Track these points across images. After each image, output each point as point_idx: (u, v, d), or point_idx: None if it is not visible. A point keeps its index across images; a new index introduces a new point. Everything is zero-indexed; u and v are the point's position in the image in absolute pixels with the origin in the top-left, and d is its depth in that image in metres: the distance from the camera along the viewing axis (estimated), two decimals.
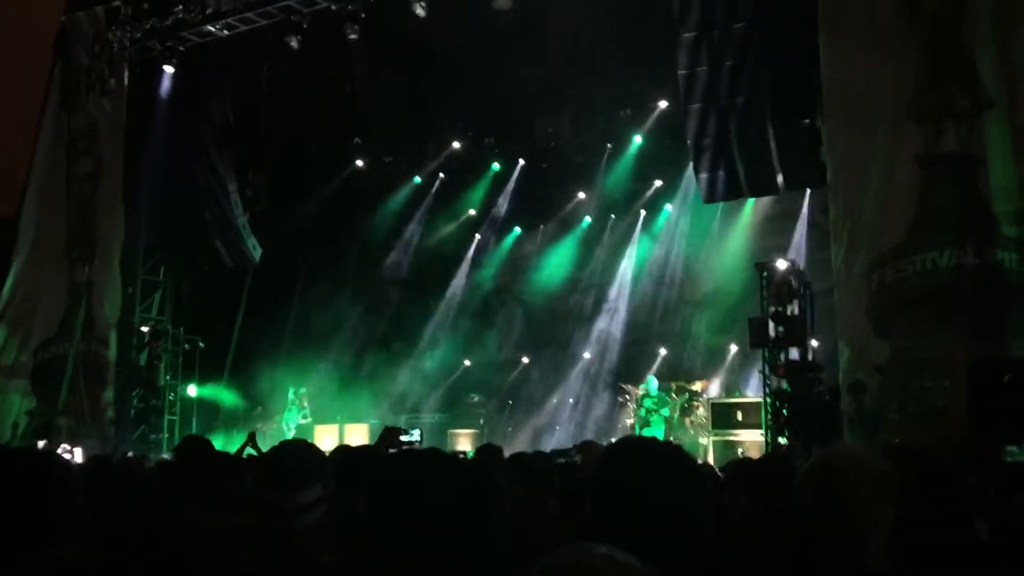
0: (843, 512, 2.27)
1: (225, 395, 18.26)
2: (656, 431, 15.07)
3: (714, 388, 16.67)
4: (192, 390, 17.41)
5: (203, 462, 4.59)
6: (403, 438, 12.05)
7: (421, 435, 15.32)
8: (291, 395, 17.63)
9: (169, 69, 15.96)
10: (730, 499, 4.33)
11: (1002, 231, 9.51)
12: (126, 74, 16.26)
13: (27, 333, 16.47)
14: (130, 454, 13.11)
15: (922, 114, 9.96)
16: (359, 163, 19.67)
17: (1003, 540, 2.95)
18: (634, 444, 2.19)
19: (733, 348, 17.02)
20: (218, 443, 11.06)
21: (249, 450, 6.87)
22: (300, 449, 2.83)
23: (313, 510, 2.44)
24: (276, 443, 3.14)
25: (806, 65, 11.16)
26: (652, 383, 15.66)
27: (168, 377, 16.91)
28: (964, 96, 9.77)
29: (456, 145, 19.36)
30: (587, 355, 19.41)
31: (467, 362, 19.87)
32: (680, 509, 1.88)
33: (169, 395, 16.77)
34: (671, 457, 2.00)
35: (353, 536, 2.29)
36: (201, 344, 17.57)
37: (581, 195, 19.51)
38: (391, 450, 5.07)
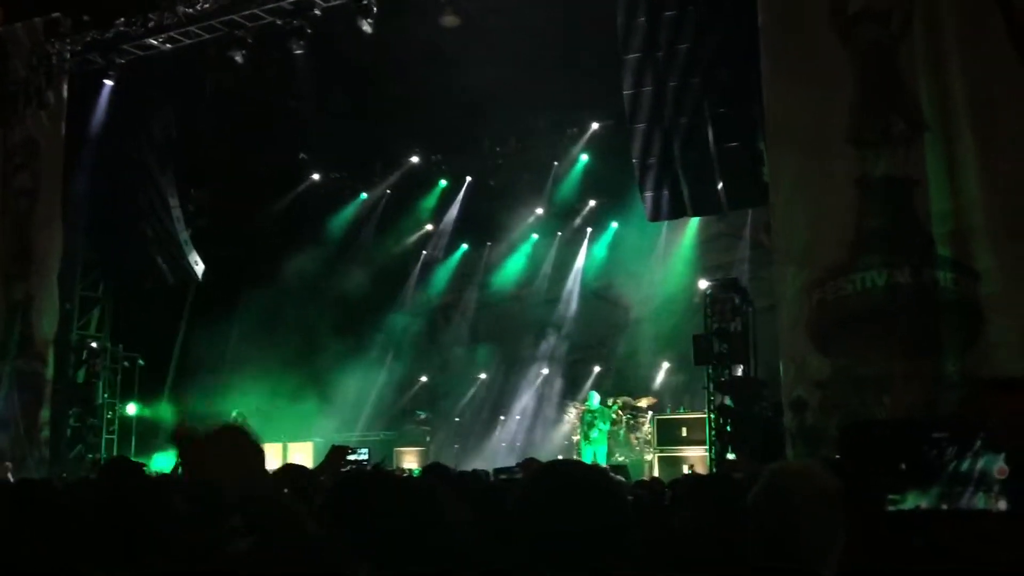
0: (795, 533, 2.24)
1: (166, 413, 17.91)
2: (598, 447, 15.16)
3: (659, 405, 16.79)
4: (131, 408, 17.05)
5: (130, 485, 4.49)
6: (351, 456, 11.92)
7: (369, 453, 15.17)
8: (233, 415, 17.33)
9: (109, 83, 15.70)
10: (680, 515, 4.36)
11: (938, 251, 9.74)
12: (65, 87, 15.94)
13: None
14: (63, 475, 12.85)
15: (860, 138, 10.17)
16: (306, 179, 19.53)
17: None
18: (556, 468, 2.21)
19: (677, 365, 17.17)
20: (158, 462, 10.86)
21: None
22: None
23: (244, 536, 2.38)
24: None
25: (749, 87, 11.35)
26: (593, 398, 15.75)
27: (106, 395, 16.54)
28: (901, 120, 10.00)
29: (403, 162, 19.33)
30: (534, 372, 19.45)
31: (424, 378, 19.79)
32: (596, 528, 1.90)
33: (107, 414, 16.41)
34: (591, 479, 2.01)
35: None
36: (141, 362, 17.23)
37: (529, 212, 19.58)
38: (343, 469, 5.01)
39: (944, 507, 2.67)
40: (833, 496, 2.28)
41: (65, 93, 15.92)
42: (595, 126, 17.50)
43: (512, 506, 2.00)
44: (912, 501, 2.72)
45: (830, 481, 2.33)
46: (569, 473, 2.10)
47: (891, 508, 2.73)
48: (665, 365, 17.57)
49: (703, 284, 13.37)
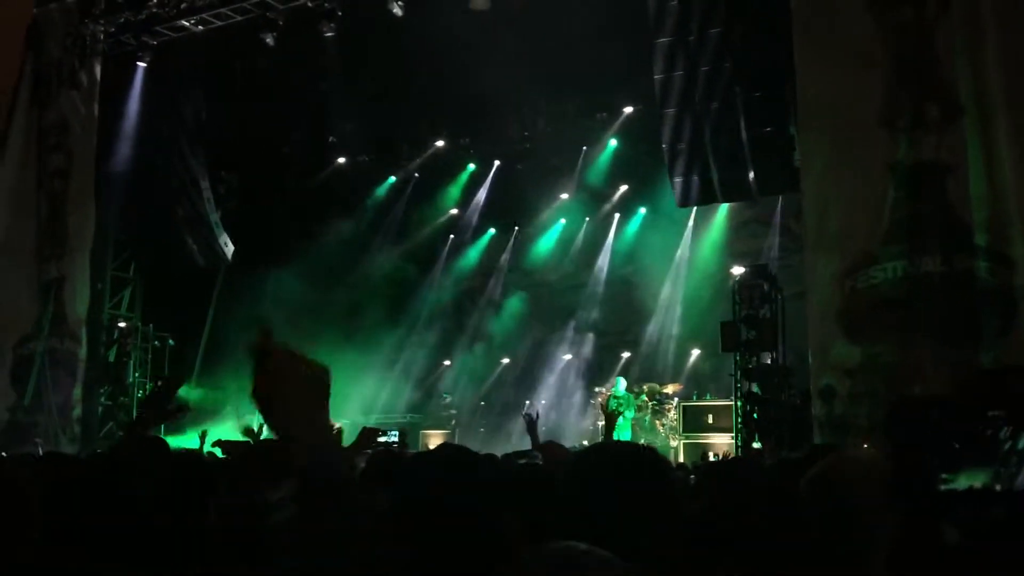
0: (849, 521, 2.21)
1: (195, 393, 18.08)
2: (623, 433, 15.12)
3: (685, 391, 16.73)
4: None
5: (165, 461, 4.53)
6: (381, 439, 11.98)
7: (400, 436, 15.26)
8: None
9: (142, 64, 15.80)
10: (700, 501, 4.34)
11: (975, 239, 9.60)
12: (98, 69, 16.07)
13: (6, 331, 16.21)
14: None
15: (894, 122, 10.03)
16: (335, 162, 19.59)
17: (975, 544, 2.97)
18: (604, 445, 2.21)
19: (705, 351, 17.09)
20: (188, 441, 10.96)
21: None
22: (270, 446, 2.78)
23: (285, 507, 2.40)
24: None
25: (780, 71, 11.23)
26: (620, 384, 15.71)
27: (137, 374, 16.75)
28: (936, 105, 9.85)
29: (431, 145, 19.33)
30: (560, 356, 19.44)
31: (447, 362, 19.84)
32: (648, 512, 1.88)
33: (138, 392, 16.61)
34: (640, 459, 2.00)
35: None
36: (171, 341, 17.42)
37: (557, 196, 19.54)
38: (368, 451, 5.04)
39: (998, 487, 2.62)
40: (887, 484, 2.24)
41: (98, 74, 16.06)
42: (625, 111, 17.39)
43: (561, 483, 2.00)
44: (965, 481, 2.66)
45: (885, 469, 2.29)
46: (618, 450, 2.08)
47: (944, 488, 2.68)
48: (692, 352, 17.50)
49: (732, 270, 13.28)
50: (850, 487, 2.23)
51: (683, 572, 1.91)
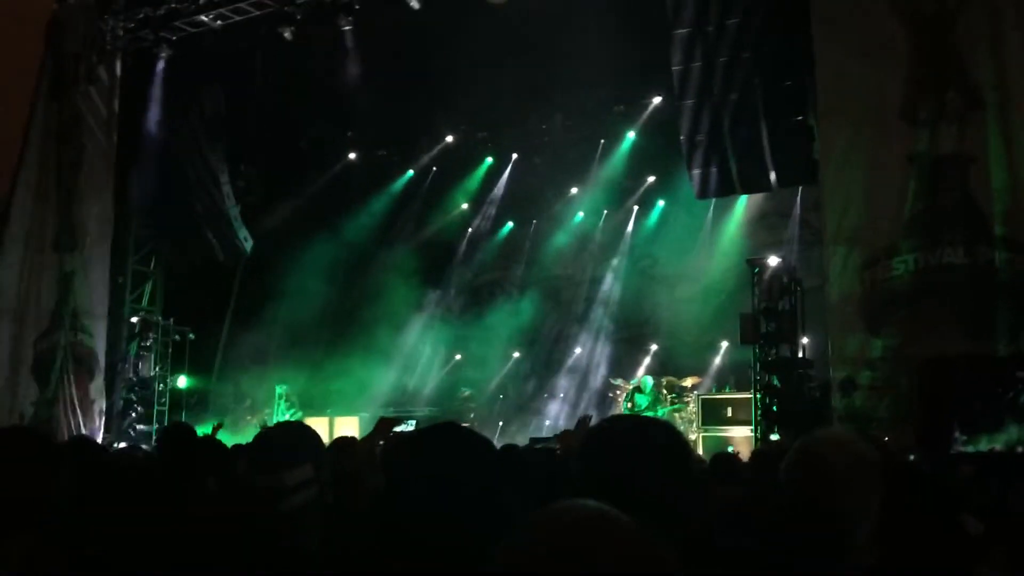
0: (827, 503, 2.17)
1: (215, 387, 18.21)
2: None
3: (704, 384, 16.68)
4: (182, 381, 17.36)
5: (190, 448, 4.61)
6: (397, 429, 11.97)
7: (416, 426, 15.28)
8: (279, 391, 17.56)
9: (161, 59, 15.89)
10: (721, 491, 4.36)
11: (994, 231, 9.54)
12: (118, 64, 16.19)
13: (26, 324, 16.35)
14: (121, 445, 13.13)
15: (914, 114, 9.98)
16: (353, 155, 19.65)
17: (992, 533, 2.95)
18: (619, 417, 2.22)
19: (724, 344, 17.04)
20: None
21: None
22: (289, 429, 2.78)
23: (301, 491, 2.41)
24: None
25: (800, 62, 11.17)
26: (648, 382, 15.73)
27: (158, 368, 16.86)
28: (957, 96, 9.79)
29: (449, 139, 19.34)
30: (578, 350, 19.43)
31: (458, 356, 19.87)
32: (669, 484, 1.88)
33: (158, 386, 16.72)
34: (659, 432, 2.00)
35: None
36: (191, 335, 17.52)
37: (574, 190, 19.51)
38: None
39: (1020, 450, 2.60)
40: (870, 467, 2.22)
41: (118, 70, 16.17)
42: (643, 103, 17.34)
43: (577, 455, 1.99)
44: (986, 443, 2.65)
45: (868, 451, 2.27)
46: (632, 421, 2.09)
47: (963, 450, 2.67)
48: (710, 344, 17.43)
49: (751, 263, 13.22)
50: (826, 466, 2.20)
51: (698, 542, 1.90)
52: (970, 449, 7.78)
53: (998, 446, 7.62)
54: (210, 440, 5.41)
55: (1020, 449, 7.50)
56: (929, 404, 8.70)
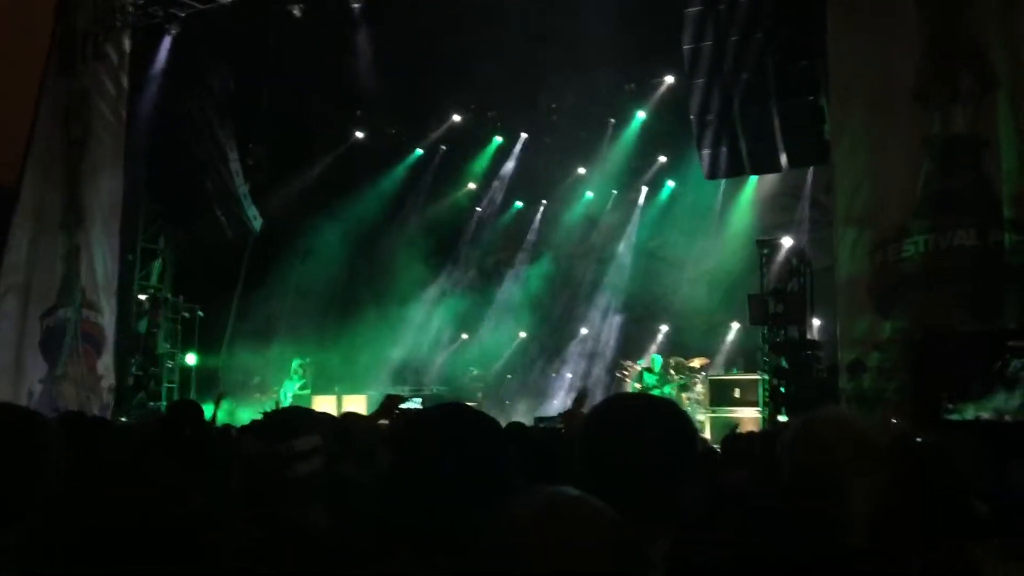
0: (824, 480, 2.16)
1: (224, 364, 18.27)
2: None
3: (712, 365, 16.68)
4: (191, 358, 17.43)
5: (195, 423, 4.64)
6: (403, 406, 12.00)
7: (423, 404, 15.32)
8: (295, 364, 17.63)
9: (170, 36, 15.85)
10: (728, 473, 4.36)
11: (1004, 213, 9.48)
12: (127, 40, 16.14)
13: (34, 300, 16.38)
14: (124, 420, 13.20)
15: (927, 95, 9.90)
16: (362, 134, 19.62)
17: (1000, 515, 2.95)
18: (622, 394, 2.22)
19: (732, 325, 17.03)
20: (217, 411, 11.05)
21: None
22: (296, 408, 2.81)
23: (309, 458, 2.43)
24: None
25: (812, 42, 11.09)
26: (657, 361, 15.75)
27: (167, 345, 16.92)
28: (971, 77, 9.70)
29: (458, 118, 19.29)
30: (586, 330, 19.44)
31: (464, 335, 19.90)
32: (670, 466, 1.87)
33: (168, 363, 16.79)
34: (662, 412, 1.99)
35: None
36: (200, 313, 17.57)
37: (583, 170, 19.46)
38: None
39: (1008, 419, 2.60)
40: (870, 449, 2.20)
41: (127, 46, 16.12)
42: (654, 83, 17.26)
43: (578, 435, 1.99)
44: (972, 412, 2.65)
45: (870, 432, 2.26)
46: (635, 400, 2.11)
47: (951, 417, 2.66)
48: (719, 325, 17.43)
49: (761, 244, 13.19)
50: (824, 445, 2.19)
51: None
52: (956, 417, 7.91)
53: (985, 414, 7.70)
54: (186, 401, 5.48)
55: (1008, 418, 7.57)
56: (920, 376, 8.87)
